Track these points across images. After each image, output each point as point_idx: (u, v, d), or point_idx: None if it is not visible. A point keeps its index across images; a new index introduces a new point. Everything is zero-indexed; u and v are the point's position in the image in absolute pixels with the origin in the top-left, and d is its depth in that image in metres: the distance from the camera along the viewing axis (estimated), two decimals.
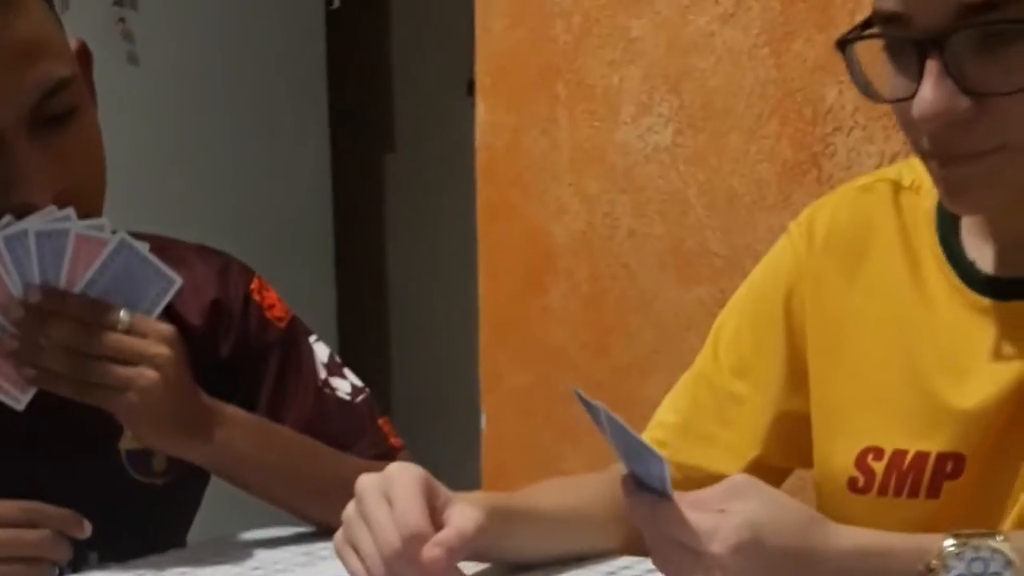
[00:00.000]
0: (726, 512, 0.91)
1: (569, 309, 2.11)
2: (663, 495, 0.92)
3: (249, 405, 1.37)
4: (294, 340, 1.43)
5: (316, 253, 3.20)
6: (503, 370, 2.20)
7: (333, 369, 1.44)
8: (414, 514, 0.99)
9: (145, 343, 1.20)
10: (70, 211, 1.18)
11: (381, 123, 3.34)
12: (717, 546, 0.90)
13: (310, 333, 1.46)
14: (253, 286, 1.43)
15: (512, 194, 2.16)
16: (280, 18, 3.12)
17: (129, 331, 1.20)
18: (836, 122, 1.83)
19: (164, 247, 1.37)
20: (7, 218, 1.18)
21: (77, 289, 1.19)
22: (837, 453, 1.15)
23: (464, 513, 1.01)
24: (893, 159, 1.78)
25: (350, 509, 1.04)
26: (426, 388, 3.27)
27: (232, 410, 1.28)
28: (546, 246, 2.13)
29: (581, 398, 0.93)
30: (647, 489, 0.93)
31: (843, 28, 1.81)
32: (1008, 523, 1.06)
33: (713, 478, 1.00)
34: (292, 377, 1.41)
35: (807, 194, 1.82)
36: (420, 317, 3.34)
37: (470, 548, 1.01)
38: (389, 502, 1.01)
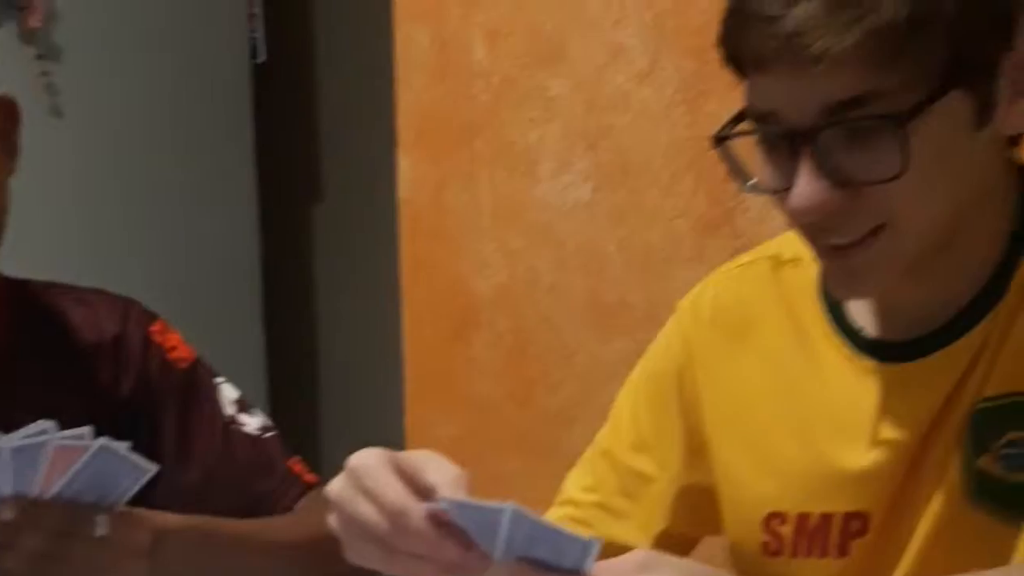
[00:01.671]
0: None
1: (493, 361, 2.14)
2: (573, 573, 0.93)
3: (154, 445, 1.37)
4: (197, 380, 1.44)
5: (244, 303, 3.21)
6: (429, 421, 2.23)
7: (241, 407, 1.45)
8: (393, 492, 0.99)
9: (120, 555, 1.19)
10: (49, 424, 1.15)
11: (309, 174, 3.36)
12: None
13: (215, 374, 1.47)
14: (155, 328, 1.44)
15: (435, 248, 2.19)
16: (205, 70, 3.12)
17: (105, 537, 1.18)
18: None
19: (65, 291, 1.40)
20: None
21: (50, 494, 1.16)
22: (745, 520, 1.18)
23: (440, 470, 1.01)
24: None
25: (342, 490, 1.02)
26: (354, 438, 3.26)
27: (172, 524, 1.27)
28: (469, 299, 2.16)
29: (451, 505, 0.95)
30: (548, 569, 0.94)
31: None
32: (899, 573, 1.11)
33: (623, 550, 1.01)
34: (196, 415, 1.42)
35: (721, 248, 1.87)
36: (348, 367, 3.35)
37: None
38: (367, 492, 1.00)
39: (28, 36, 2.86)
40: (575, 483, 1.30)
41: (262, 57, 3.16)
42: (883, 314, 1.13)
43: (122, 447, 1.16)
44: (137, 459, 1.18)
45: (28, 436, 1.13)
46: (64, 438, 1.15)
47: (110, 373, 1.40)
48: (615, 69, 1.98)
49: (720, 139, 1.07)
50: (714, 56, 1.93)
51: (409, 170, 2.21)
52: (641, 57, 1.94)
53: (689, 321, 1.24)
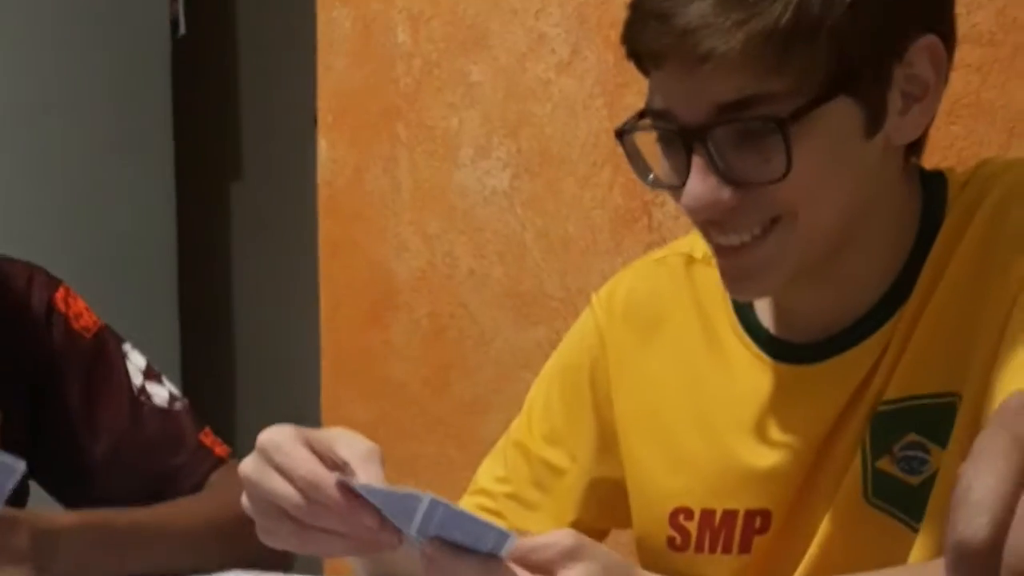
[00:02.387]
0: (569, 573, 0.93)
1: (410, 345, 2.14)
2: (490, 556, 0.95)
3: (60, 416, 1.36)
4: (103, 349, 1.41)
5: (159, 279, 3.19)
6: (345, 404, 2.22)
7: (150, 375, 1.43)
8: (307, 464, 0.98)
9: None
10: None
11: (228, 151, 3.34)
12: None
13: (123, 341, 1.44)
14: (58, 295, 1.42)
15: (354, 230, 2.19)
16: (126, 43, 3.09)
17: None
18: None
19: None
20: None
21: None
22: (652, 514, 1.20)
23: (352, 444, 1.01)
24: None
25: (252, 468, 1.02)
26: (269, 419, 3.26)
27: (58, 525, 1.24)
28: (387, 282, 2.16)
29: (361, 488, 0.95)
30: (463, 551, 0.95)
31: None
32: (799, 573, 1.13)
33: None
34: (103, 385, 1.40)
35: (638, 241, 1.88)
36: (264, 347, 3.33)
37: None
38: (279, 468, 1.00)
39: None
40: (488, 473, 1.31)
41: (183, 31, 3.13)
42: (787, 316, 1.15)
43: None
44: (3, 457, 1.12)
45: None
46: None
47: (12, 339, 1.37)
48: (536, 58, 1.98)
49: (622, 133, 1.09)
50: None
51: (328, 151, 2.20)
52: (563, 47, 1.95)
53: (602, 314, 1.25)
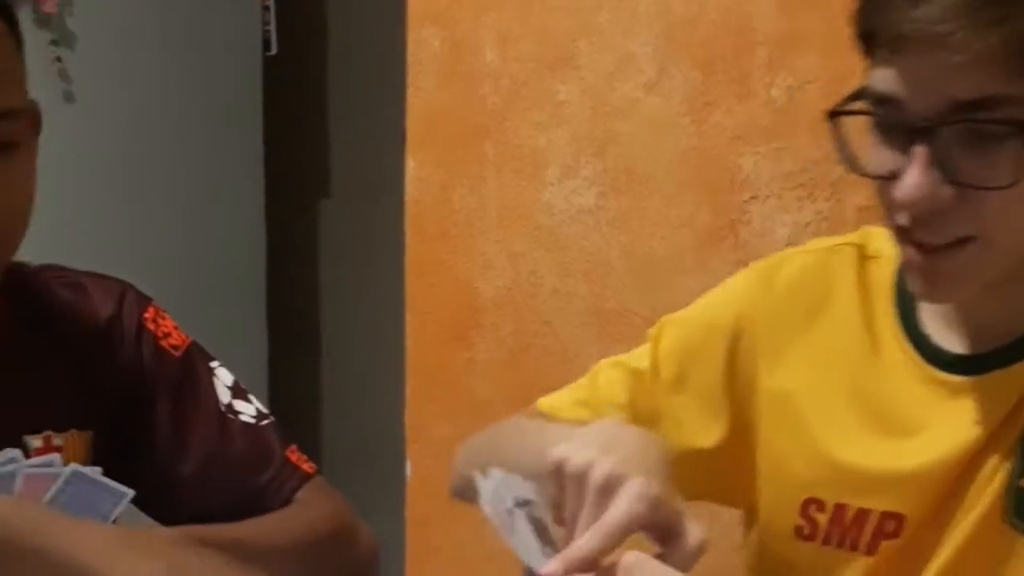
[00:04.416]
0: None
1: (493, 363, 2.15)
2: None
3: (149, 436, 1.36)
4: (192, 367, 1.41)
5: (248, 295, 3.22)
6: (429, 420, 2.23)
7: (237, 393, 1.42)
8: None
9: None
10: (16, 453, 1.13)
11: (317, 169, 3.36)
12: None
13: (211, 359, 1.44)
14: (147, 315, 1.41)
15: (440, 249, 2.20)
16: (218, 61, 3.14)
17: None
18: (752, 190, 1.88)
19: (58, 274, 1.37)
20: None
21: None
22: (782, 499, 1.18)
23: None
24: (806, 227, 1.84)
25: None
26: (354, 434, 3.28)
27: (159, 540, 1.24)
28: (472, 301, 2.16)
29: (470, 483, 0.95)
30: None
31: (761, 99, 1.88)
32: None
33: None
34: (191, 403, 1.39)
35: (723, 260, 1.88)
36: (350, 363, 3.35)
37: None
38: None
39: (43, 21, 2.88)
40: (615, 388, 1.27)
41: (274, 50, 3.17)
42: (954, 324, 1.12)
43: (95, 472, 1.13)
44: (111, 484, 1.14)
45: None
46: (32, 466, 1.12)
47: (102, 358, 1.37)
48: (624, 77, 1.98)
49: (834, 114, 1.05)
50: (722, 68, 1.94)
51: (416, 170, 2.21)
52: (650, 66, 1.95)
53: (762, 283, 1.22)
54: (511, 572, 2.12)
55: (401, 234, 2.25)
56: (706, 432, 1.22)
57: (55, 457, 1.13)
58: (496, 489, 0.96)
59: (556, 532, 0.96)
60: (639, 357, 1.28)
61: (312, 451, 1.56)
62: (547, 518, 0.96)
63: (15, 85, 1.25)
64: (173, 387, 1.39)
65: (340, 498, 1.41)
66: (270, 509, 1.40)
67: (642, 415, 1.23)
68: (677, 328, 1.27)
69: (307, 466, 1.44)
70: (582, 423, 1.08)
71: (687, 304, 1.29)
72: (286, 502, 1.41)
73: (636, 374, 1.27)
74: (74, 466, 1.12)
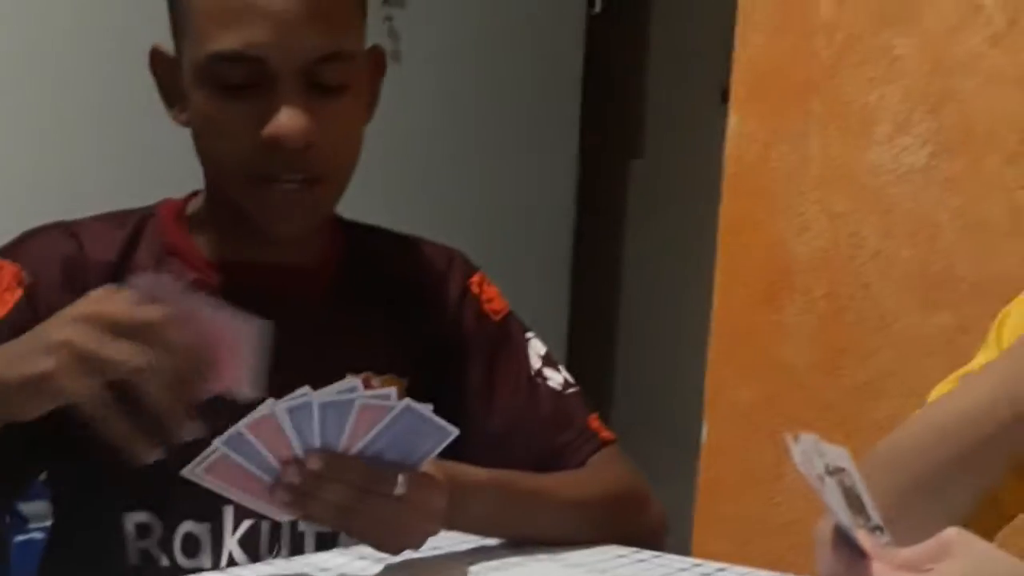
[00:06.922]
0: (934, 572, 0.87)
1: (803, 327, 2.08)
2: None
3: (460, 390, 1.41)
4: (509, 332, 1.47)
5: (554, 252, 3.24)
6: (729, 383, 2.19)
7: (548, 362, 1.48)
8: None
9: (417, 516, 1.19)
10: (357, 382, 1.15)
11: (631, 128, 3.36)
12: None
13: (527, 329, 1.50)
14: (474, 279, 1.48)
15: (756, 208, 2.15)
16: (542, 19, 3.16)
17: (403, 496, 1.18)
18: None
19: (391, 237, 1.45)
20: (299, 392, 1.14)
21: (355, 449, 1.16)
22: None
23: None
24: None
25: None
26: (650, 393, 3.27)
27: (472, 480, 1.29)
28: (785, 262, 2.10)
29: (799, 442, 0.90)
30: (850, 545, 0.89)
31: None
32: None
33: None
34: (504, 365, 1.45)
35: None
36: (651, 323, 3.33)
37: None
38: None
39: None
40: None
41: (598, 8, 3.18)
42: None
43: (426, 409, 1.15)
44: (440, 421, 1.16)
45: (338, 392, 1.13)
46: (370, 397, 1.14)
47: (426, 313, 1.43)
48: (969, 30, 1.89)
49: None
50: None
51: (738, 126, 2.16)
52: (999, 17, 1.85)
53: None
54: (799, 549, 2.04)
55: (715, 193, 2.21)
56: None
57: (392, 391, 1.16)
58: (805, 452, 0.91)
59: (869, 501, 0.91)
60: (984, 354, 1.20)
61: (607, 406, 1.56)
62: (860, 487, 0.90)
63: (348, 29, 1.32)
64: (490, 348, 1.46)
65: (633, 466, 1.46)
66: (565, 469, 1.42)
67: None
68: (1021, 306, 1.20)
69: (606, 433, 1.49)
70: None
71: (1020, 271, 1.21)
72: (581, 464, 1.45)
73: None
74: (408, 400, 1.15)
